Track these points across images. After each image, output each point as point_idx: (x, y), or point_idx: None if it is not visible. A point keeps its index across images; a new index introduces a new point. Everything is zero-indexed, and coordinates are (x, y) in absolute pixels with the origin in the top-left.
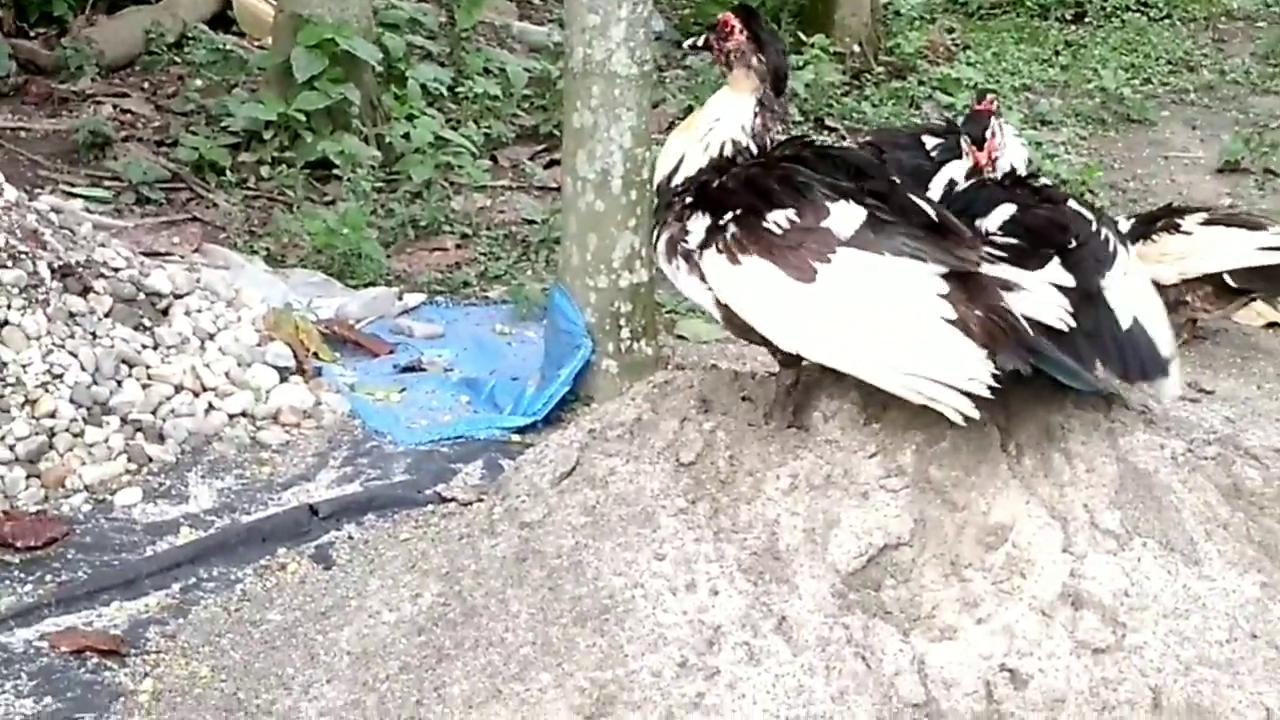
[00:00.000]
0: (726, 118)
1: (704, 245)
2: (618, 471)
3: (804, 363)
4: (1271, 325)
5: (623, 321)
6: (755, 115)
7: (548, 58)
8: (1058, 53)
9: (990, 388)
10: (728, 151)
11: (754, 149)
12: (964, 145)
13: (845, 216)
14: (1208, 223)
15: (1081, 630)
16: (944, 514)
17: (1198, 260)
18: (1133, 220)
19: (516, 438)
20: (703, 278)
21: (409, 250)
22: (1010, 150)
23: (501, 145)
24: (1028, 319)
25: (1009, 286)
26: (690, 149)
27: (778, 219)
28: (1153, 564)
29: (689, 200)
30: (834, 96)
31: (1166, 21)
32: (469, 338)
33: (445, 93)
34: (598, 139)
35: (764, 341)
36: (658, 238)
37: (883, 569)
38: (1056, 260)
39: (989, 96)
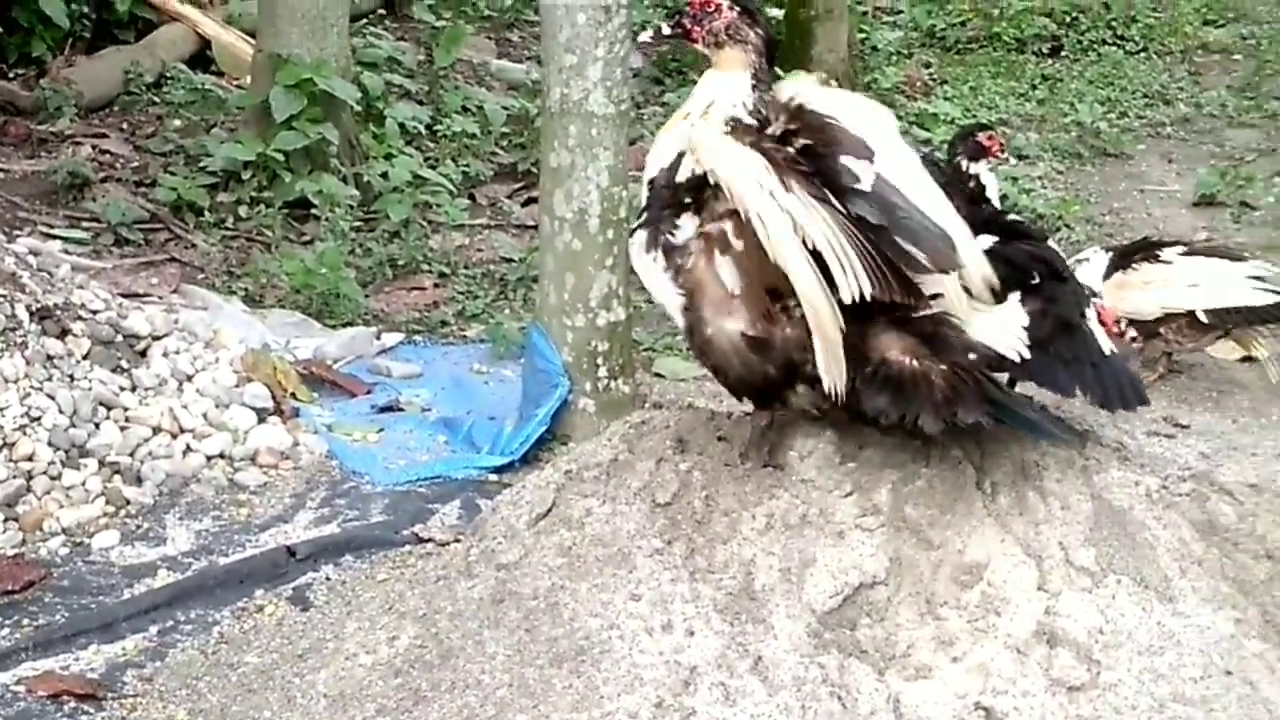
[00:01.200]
0: (722, 98)
1: (689, 241)
2: (594, 512)
3: (777, 406)
4: (1247, 359)
5: (600, 360)
6: (753, 90)
7: (526, 95)
8: (1034, 87)
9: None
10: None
11: (751, 125)
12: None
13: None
14: (1188, 253)
15: (1056, 668)
16: (919, 553)
17: (1181, 293)
18: (1110, 252)
19: (494, 477)
20: (678, 274)
21: (387, 290)
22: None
23: (479, 183)
24: (988, 349)
25: (969, 347)
26: (684, 143)
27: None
28: (1127, 601)
29: (686, 200)
30: None
31: (1142, 55)
32: (447, 377)
33: (423, 131)
34: (575, 178)
35: (715, 369)
36: (639, 229)
37: (858, 608)
38: (1017, 295)
39: (989, 133)
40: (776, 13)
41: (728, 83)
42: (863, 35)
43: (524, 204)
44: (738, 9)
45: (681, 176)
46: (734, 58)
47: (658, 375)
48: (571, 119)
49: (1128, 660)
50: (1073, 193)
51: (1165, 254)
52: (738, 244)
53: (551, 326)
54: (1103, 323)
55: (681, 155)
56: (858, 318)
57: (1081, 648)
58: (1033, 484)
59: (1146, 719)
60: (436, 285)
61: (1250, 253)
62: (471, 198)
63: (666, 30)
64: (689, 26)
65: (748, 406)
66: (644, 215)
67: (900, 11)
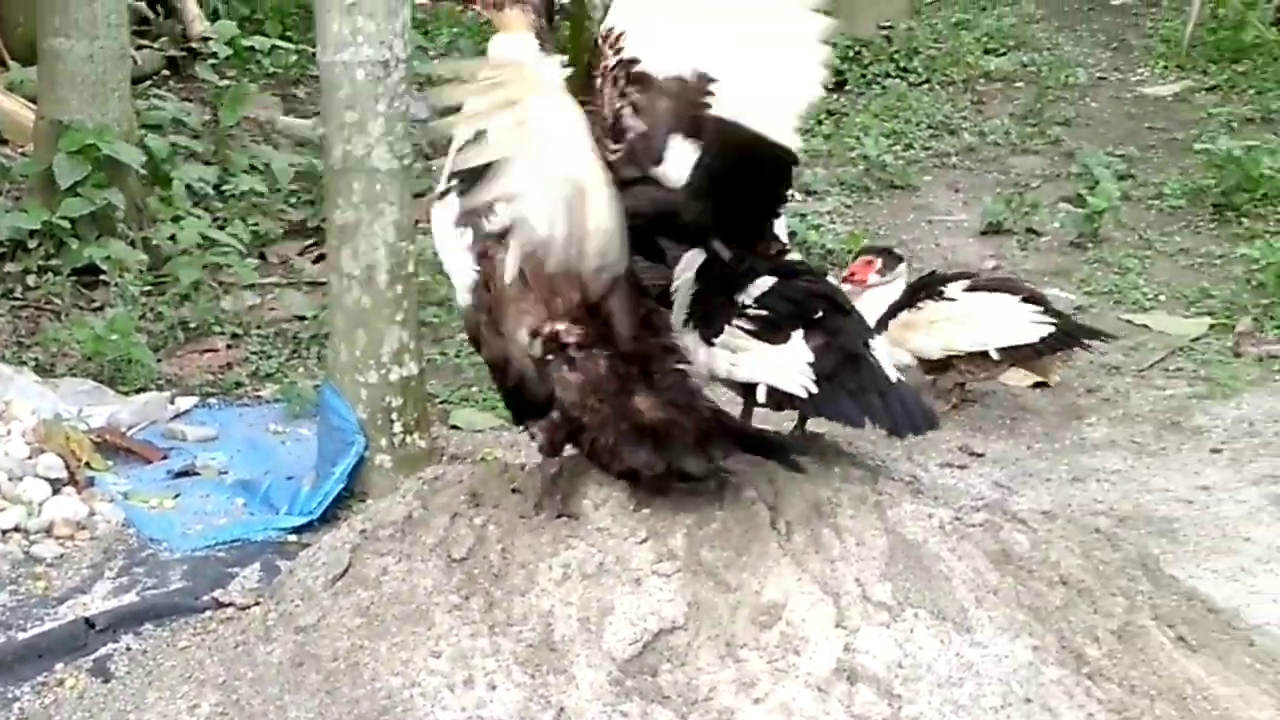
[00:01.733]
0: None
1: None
2: (390, 571)
3: (566, 451)
4: (1039, 385)
5: (394, 416)
6: (541, 50)
7: (313, 151)
8: (820, 122)
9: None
10: None
11: None
12: None
13: None
14: (972, 288)
15: (858, 704)
16: (717, 595)
17: (966, 334)
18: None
19: (293, 538)
20: (481, 257)
21: (180, 353)
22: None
23: (270, 242)
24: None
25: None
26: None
27: None
28: (925, 634)
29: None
30: None
31: (926, 86)
32: (243, 439)
33: (211, 191)
34: (361, 235)
35: (493, 366)
36: (447, 194)
37: (659, 654)
38: (801, 333)
39: None
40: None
41: (514, 45)
42: None
43: (315, 261)
44: None
45: None
46: (516, 19)
47: (454, 427)
48: (355, 175)
49: (928, 693)
50: (861, 227)
51: (950, 290)
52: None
53: (344, 384)
54: (854, 279)
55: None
56: (613, 383)
57: (881, 683)
58: (827, 521)
59: None
60: (229, 347)
61: (1037, 279)
62: (262, 256)
63: None
64: None
65: (538, 457)
66: (448, 183)
67: None
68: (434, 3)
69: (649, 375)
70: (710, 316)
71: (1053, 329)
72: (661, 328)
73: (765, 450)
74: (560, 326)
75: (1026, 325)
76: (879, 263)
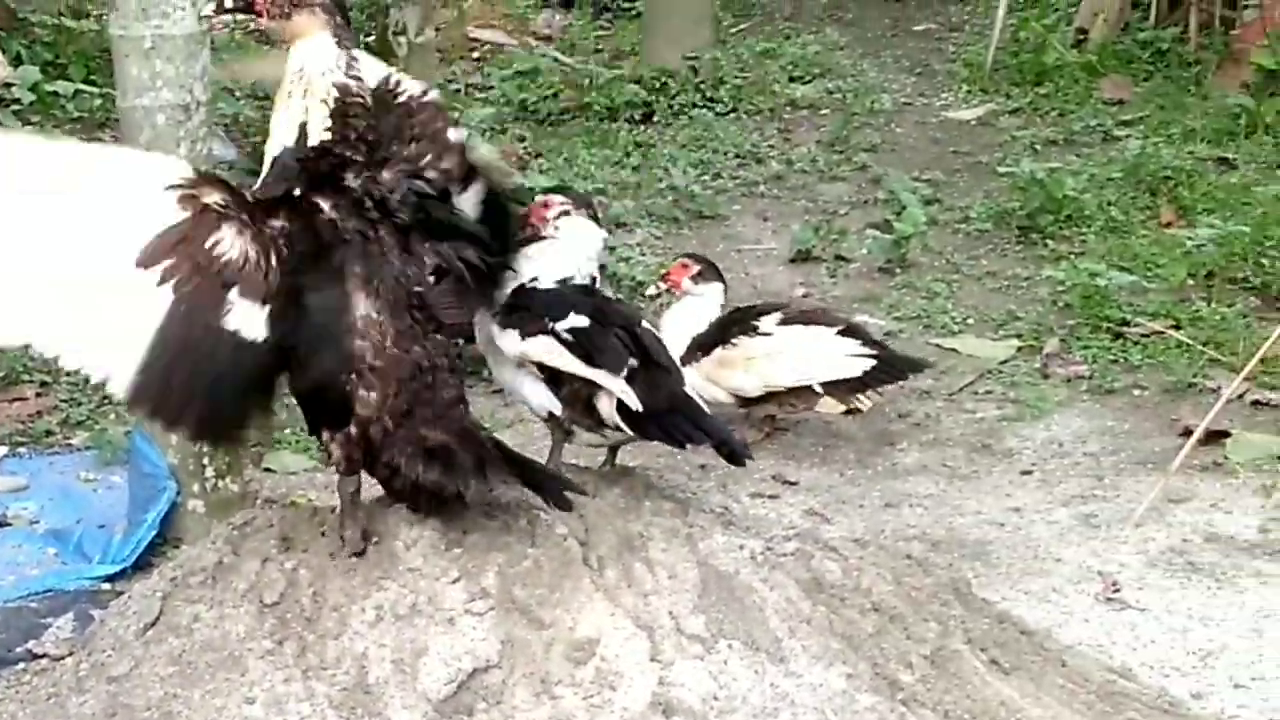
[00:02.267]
0: (312, 66)
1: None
2: (202, 617)
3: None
4: (851, 412)
5: (206, 461)
6: (339, 48)
7: None
8: (628, 154)
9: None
10: (333, 96)
11: (353, 85)
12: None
13: None
14: (786, 321)
15: None
16: (531, 633)
17: (783, 372)
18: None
19: (107, 586)
20: None
21: None
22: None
23: None
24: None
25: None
26: (301, 114)
27: None
28: (739, 665)
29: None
30: None
31: (733, 115)
32: (54, 488)
33: None
34: None
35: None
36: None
37: (474, 693)
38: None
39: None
40: None
41: (313, 49)
42: (456, 112)
43: None
44: None
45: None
46: (308, 23)
47: (268, 470)
48: None
49: None
50: (671, 258)
51: (763, 324)
52: None
53: (155, 430)
54: (669, 281)
55: (304, 127)
56: (404, 404)
57: (697, 715)
58: (639, 555)
59: None
60: (39, 394)
61: (847, 306)
62: None
63: (229, 3)
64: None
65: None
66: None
67: (491, 87)
68: (218, 13)
69: (434, 400)
70: (525, 325)
71: (874, 363)
72: (442, 351)
73: (538, 482)
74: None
75: (848, 360)
76: (694, 269)
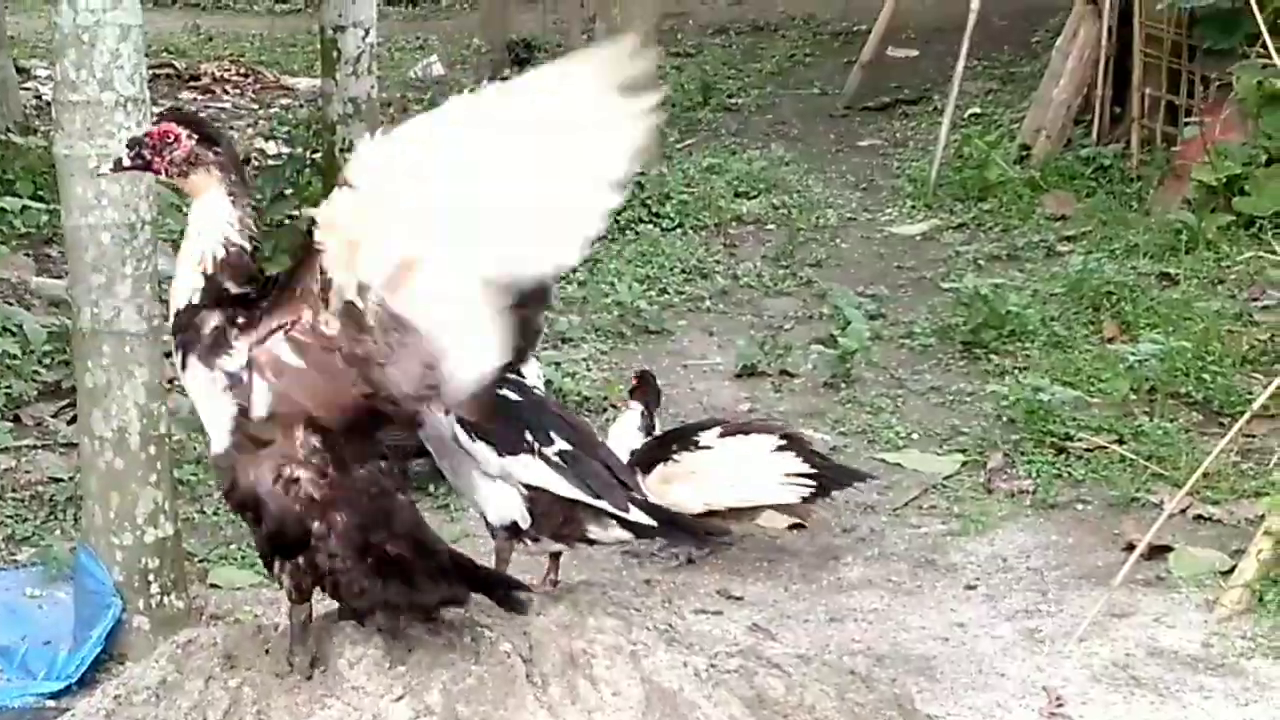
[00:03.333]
0: (208, 227)
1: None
2: None
3: (315, 597)
4: (796, 526)
5: (151, 577)
6: (234, 206)
7: (66, 311)
8: (574, 269)
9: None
10: (226, 253)
11: (245, 244)
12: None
13: None
14: (726, 434)
15: None
16: None
17: (724, 491)
18: (644, 443)
19: (52, 703)
20: (239, 394)
21: None
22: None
23: (24, 404)
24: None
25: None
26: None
27: None
28: None
29: (239, 319)
30: None
31: (679, 231)
32: None
33: None
34: (112, 397)
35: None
36: (189, 353)
37: None
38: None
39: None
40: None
41: (210, 207)
42: None
43: (69, 422)
44: (195, 137)
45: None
46: (204, 182)
47: (214, 586)
48: (104, 338)
49: None
50: (617, 373)
51: (704, 438)
52: (293, 363)
53: (100, 546)
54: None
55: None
56: (356, 519)
57: None
58: (583, 673)
59: None
60: None
61: (793, 421)
62: (16, 419)
63: (127, 162)
64: (149, 158)
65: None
66: (183, 340)
67: None
68: (116, 172)
69: (389, 512)
70: (510, 442)
71: (815, 483)
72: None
73: (490, 588)
74: (301, 473)
75: (789, 483)
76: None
